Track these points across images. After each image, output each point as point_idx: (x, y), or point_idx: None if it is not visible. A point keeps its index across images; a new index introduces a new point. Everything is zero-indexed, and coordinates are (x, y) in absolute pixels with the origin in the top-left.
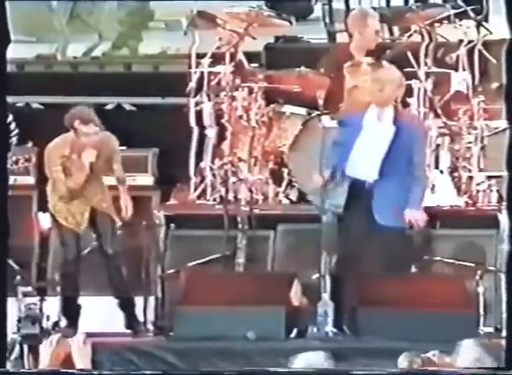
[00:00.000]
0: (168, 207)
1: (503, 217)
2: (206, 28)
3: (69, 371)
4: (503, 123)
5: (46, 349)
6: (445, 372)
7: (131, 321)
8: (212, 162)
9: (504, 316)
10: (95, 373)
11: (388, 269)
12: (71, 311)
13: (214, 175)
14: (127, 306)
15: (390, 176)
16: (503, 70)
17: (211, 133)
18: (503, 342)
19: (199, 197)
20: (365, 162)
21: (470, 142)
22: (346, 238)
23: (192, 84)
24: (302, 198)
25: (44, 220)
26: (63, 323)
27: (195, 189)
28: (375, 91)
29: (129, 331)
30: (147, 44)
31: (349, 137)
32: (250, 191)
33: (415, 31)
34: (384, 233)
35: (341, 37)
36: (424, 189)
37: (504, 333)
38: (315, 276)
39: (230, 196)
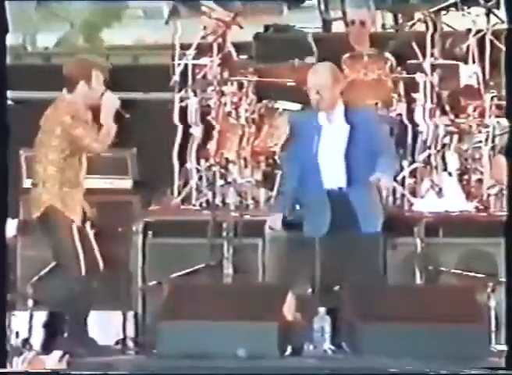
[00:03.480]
0: (150, 213)
1: None
2: (189, 16)
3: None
4: None
5: (18, 368)
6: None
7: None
8: (198, 163)
9: None
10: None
11: (367, 278)
12: (56, 328)
13: (200, 177)
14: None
15: (361, 178)
16: None
17: (197, 131)
18: None
19: (183, 202)
20: (329, 169)
21: (480, 142)
22: (328, 252)
23: (176, 78)
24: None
25: (11, 228)
26: (39, 340)
27: (179, 193)
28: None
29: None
30: (123, 33)
31: (305, 145)
32: (240, 195)
33: (419, 20)
34: (364, 241)
35: (337, 26)
36: (392, 158)
37: None
38: (311, 288)
39: (218, 201)
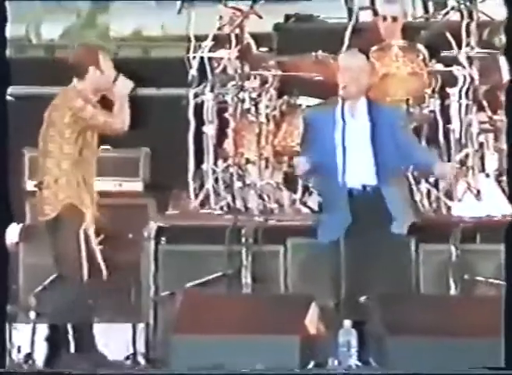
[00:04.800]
0: (166, 217)
1: None
2: (203, 5)
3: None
4: None
5: None
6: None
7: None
8: (215, 163)
9: None
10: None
11: (396, 286)
12: (61, 342)
13: (216, 179)
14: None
15: (389, 176)
16: None
17: (210, 129)
18: None
19: (202, 205)
20: (353, 167)
21: None
22: (353, 259)
23: (193, 72)
24: None
25: (13, 233)
26: (43, 355)
27: (196, 196)
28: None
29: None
30: (132, 24)
31: (323, 142)
32: (261, 198)
33: (452, 8)
34: (393, 246)
35: (364, 16)
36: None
37: None
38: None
39: (239, 204)
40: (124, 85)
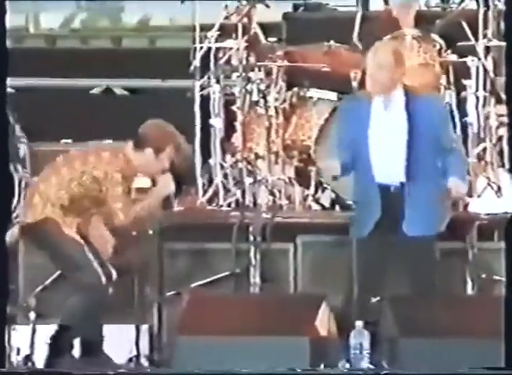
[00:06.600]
0: (171, 214)
1: None
2: None
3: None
4: None
5: None
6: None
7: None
8: (223, 158)
9: None
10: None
11: (416, 289)
12: (62, 344)
13: (225, 175)
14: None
15: (420, 176)
16: None
17: (218, 123)
18: None
19: (209, 202)
20: (384, 162)
21: None
22: (368, 257)
23: (196, 63)
24: (337, 202)
25: (9, 233)
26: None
27: (204, 192)
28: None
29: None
30: (136, 14)
31: (355, 134)
32: (272, 194)
33: None
34: (411, 245)
35: (375, 4)
36: (464, 160)
37: None
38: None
39: (248, 201)
40: (168, 183)
